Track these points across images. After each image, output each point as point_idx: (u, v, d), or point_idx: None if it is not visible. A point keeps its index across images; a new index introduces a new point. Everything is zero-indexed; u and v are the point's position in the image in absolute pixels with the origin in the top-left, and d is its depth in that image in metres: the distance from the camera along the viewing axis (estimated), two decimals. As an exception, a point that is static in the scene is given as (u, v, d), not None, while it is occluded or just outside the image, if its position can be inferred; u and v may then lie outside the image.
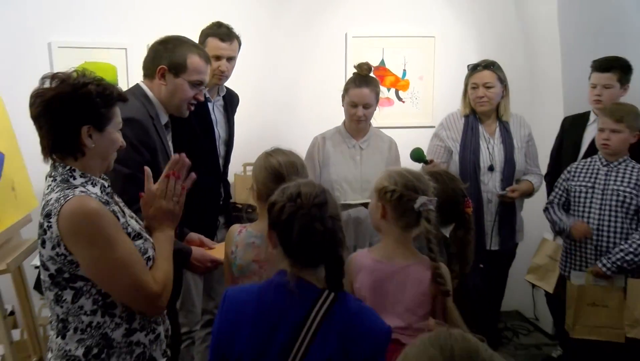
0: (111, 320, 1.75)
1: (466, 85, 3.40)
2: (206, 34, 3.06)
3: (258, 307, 1.61)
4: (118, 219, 1.74)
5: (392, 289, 2.03)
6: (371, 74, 3.26)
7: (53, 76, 1.74)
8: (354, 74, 3.26)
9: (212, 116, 3.13)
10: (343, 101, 3.26)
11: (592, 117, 3.57)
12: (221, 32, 3.04)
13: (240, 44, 3.14)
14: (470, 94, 3.36)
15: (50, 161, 1.77)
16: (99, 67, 3.85)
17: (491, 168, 3.32)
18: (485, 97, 3.30)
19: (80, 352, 1.73)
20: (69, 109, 1.70)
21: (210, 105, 3.12)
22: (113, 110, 1.78)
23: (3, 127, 2.98)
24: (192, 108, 2.57)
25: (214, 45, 3.02)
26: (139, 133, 2.30)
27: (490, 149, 3.34)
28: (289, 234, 1.57)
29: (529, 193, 3.45)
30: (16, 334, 3.39)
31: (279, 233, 1.61)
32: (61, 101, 1.70)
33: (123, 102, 1.84)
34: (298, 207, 1.57)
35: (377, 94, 3.21)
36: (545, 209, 3.36)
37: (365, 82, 3.18)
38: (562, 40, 3.95)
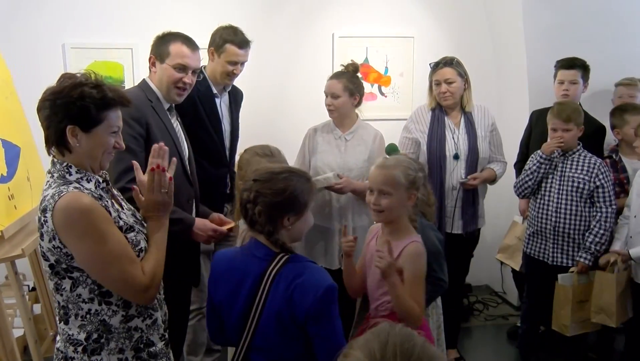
0: (108, 308, 1.72)
1: (430, 82, 3.37)
2: (225, 39, 3.04)
3: (230, 265, 1.81)
4: (110, 213, 1.71)
5: None
6: (358, 74, 3.26)
7: (63, 75, 1.72)
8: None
9: (219, 111, 3.15)
10: None
11: (557, 111, 3.60)
12: (240, 39, 3.04)
13: (250, 48, 3.15)
14: (434, 90, 3.34)
15: (51, 157, 1.75)
16: (107, 66, 3.87)
17: (456, 157, 3.29)
18: (447, 92, 3.27)
19: (82, 336, 1.72)
20: (57, 108, 1.65)
21: (217, 101, 3.15)
22: (106, 113, 1.70)
23: (20, 122, 3.00)
24: (182, 93, 2.58)
25: (233, 52, 3.03)
26: (129, 110, 2.26)
27: (455, 139, 3.32)
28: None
29: (492, 180, 3.43)
30: (37, 308, 3.43)
31: None
32: (53, 99, 1.66)
33: (123, 106, 1.76)
34: (246, 180, 1.80)
35: (345, 87, 3.17)
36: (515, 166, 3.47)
37: (336, 76, 3.21)
38: (527, 40, 3.96)
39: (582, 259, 3.10)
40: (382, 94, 4.37)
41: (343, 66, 3.27)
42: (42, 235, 1.67)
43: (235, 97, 3.29)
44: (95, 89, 1.68)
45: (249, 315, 1.73)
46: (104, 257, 1.65)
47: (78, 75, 1.71)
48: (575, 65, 3.47)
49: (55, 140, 1.69)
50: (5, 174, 2.63)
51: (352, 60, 3.30)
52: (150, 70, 2.58)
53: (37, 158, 3.10)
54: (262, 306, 1.72)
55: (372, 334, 1.00)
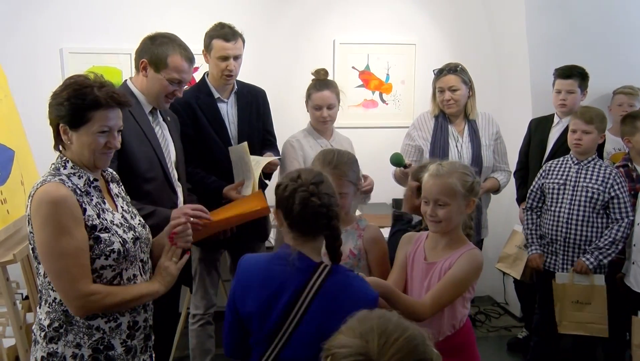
0: None
1: (434, 88, 3.28)
2: (210, 36, 2.93)
3: (265, 275, 1.69)
4: (85, 211, 1.71)
5: None
6: (329, 78, 3.19)
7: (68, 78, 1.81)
8: (312, 80, 3.17)
9: (225, 115, 3.01)
10: (307, 105, 3.18)
11: (555, 119, 3.55)
12: (225, 32, 2.90)
13: (244, 42, 3.00)
14: (438, 97, 3.24)
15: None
16: (105, 71, 3.79)
17: None
18: (451, 99, 3.18)
19: (46, 323, 1.76)
20: (52, 108, 1.75)
21: (224, 106, 3.02)
22: (93, 113, 1.72)
23: (14, 126, 2.93)
24: (170, 102, 2.52)
25: (220, 46, 2.89)
26: None
27: (459, 147, 3.23)
28: (290, 208, 1.65)
29: (495, 190, 3.35)
30: (30, 317, 3.34)
31: (283, 209, 1.68)
32: (51, 100, 1.76)
33: (117, 106, 1.77)
34: (298, 185, 1.65)
35: (337, 94, 3.12)
36: (525, 211, 3.29)
37: (325, 86, 3.10)
38: (530, 47, 3.91)
39: (583, 259, 3.03)
40: (383, 101, 4.31)
41: (313, 73, 3.17)
42: (27, 219, 1.76)
43: (247, 99, 3.09)
44: (86, 89, 1.72)
45: (282, 328, 1.64)
46: (53, 250, 1.67)
47: (76, 76, 1.78)
48: (572, 74, 3.43)
49: (55, 138, 1.79)
50: (-2, 178, 2.56)
51: (319, 68, 3.20)
52: (139, 72, 2.46)
53: (32, 162, 3.02)
54: (299, 319, 1.63)
55: (353, 320, 1.14)
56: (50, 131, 1.82)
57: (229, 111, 3.04)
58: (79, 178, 1.77)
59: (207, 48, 2.95)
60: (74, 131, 1.74)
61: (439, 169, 2.01)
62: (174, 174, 2.54)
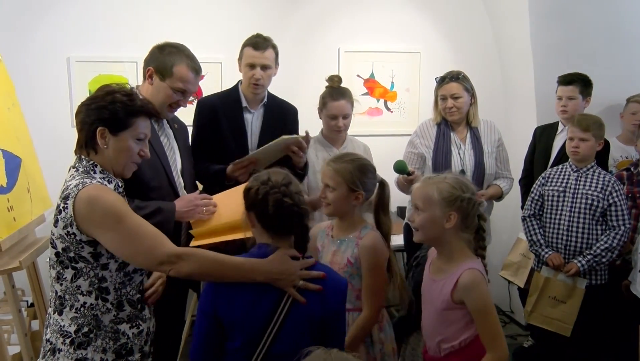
0: (103, 304, 1.76)
1: (436, 96, 3.28)
2: (244, 43, 2.94)
3: None
4: None
5: None
6: (342, 85, 3.17)
7: (101, 86, 1.88)
8: (326, 87, 3.15)
9: (249, 125, 2.99)
10: (320, 113, 3.17)
11: (560, 127, 3.56)
12: (256, 41, 2.90)
13: (277, 54, 2.98)
14: (440, 105, 3.25)
15: (77, 155, 1.84)
16: (111, 79, 3.84)
17: (462, 172, 3.19)
18: (453, 107, 3.19)
19: (72, 329, 1.75)
20: (90, 112, 1.78)
21: (250, 116, 2.99)
22: (134, 120, 1.80)
23: (21, 134, 2.94)
24: (174, 111, 2.54)
25: (247, 53, 2.89)
26: None
27: (461, 155, 3.24)
28: (265, 210, 1.71)
29: (498, 197, 3.34)
30: (35, 324, 3.36)
31: (257, 211, 1.74)
32: (89, 104, 1.80)
33: (151, 116, 1.87)
34: (270, 187, 1.72)
35: (352, 103, 3.12)
36: (524, 220, 3.27)
37: (341, 95, 3.09)
38: (534, 55, 3.92)
39: (576, 261, 3.04)
40: (388, 109, 4.32)
41: (328, 80, 3.15)
42: (56, 221, 1.73)
43: (274, 113, 3.04)
44: (127, 97, 1.81)
45: (271, 323, 1.68)
46: (129, 230, 1.69)
47: (114, 85, 1.85)
48: (574, 81, 3.44)
49: (86, 141, 1.80)
50: (5, 185, 2.56)
51: (333, 75, 3.19)
52: (145, 80, 2.48)
53: (38, 170, 3.04)
54: (286, 312, 1.69)
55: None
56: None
57: (254, 121, 3.01)
58: (109, 183, 1.81)
59: (239, 56, 2.97)
60: (113, 136, 1.78)
61: (430, 177, 2.07)
62: (180, 182, 2.55)
